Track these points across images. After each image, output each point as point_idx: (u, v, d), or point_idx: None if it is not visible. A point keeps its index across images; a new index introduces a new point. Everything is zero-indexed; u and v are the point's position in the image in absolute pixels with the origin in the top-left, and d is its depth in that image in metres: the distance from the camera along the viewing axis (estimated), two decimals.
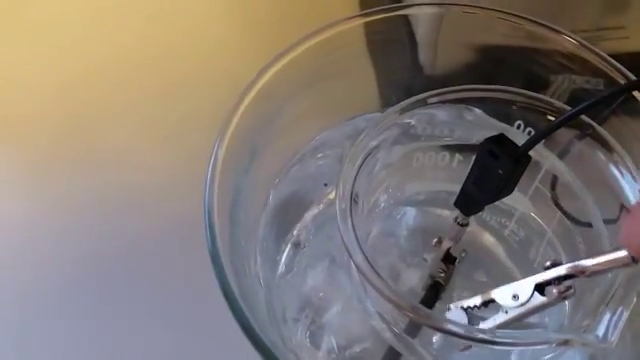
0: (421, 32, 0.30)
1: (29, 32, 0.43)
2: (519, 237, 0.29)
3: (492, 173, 0.23)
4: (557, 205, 0.28)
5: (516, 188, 0.24)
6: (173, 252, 0.34)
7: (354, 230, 0.22)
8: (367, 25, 0.28)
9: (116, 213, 0.35)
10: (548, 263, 0.22)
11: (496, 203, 0.25)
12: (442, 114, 0.26)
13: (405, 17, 0.29)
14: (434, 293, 0.28)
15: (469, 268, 0.29)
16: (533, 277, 0.22)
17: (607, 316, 0.21)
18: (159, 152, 0.37)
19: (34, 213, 0.36)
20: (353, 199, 0.23)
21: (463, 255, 0.27)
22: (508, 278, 0.29)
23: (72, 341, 0.32)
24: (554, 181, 0.27)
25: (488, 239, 0.30)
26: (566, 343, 0.20)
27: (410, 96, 0.28)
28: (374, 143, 0.24)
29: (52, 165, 0.38)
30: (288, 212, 0.27)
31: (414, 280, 0.29)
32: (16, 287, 0.34)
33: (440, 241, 0.27)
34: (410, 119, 0.26)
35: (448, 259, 0.27)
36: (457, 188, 0.28)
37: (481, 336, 0.22)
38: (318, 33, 0.27)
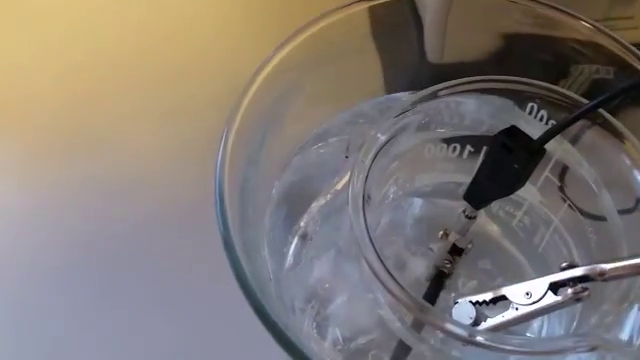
0: (429, 17, 0.29)
1: (27, 17, 0.42)
2: (524, 225, 0.29)
3: (506, 167, 0.23)
4: (565, 195, 0.27)
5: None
6: (174, 237, 0.34)
7: (367, 227, 0.22)
8: (372, 9, 0.27)
9: (116, 198, 0.35)
10: (564, 264, 0.22)
11: None
12: (454, 105, 0.26)
13: (412, 0, 0.28)
14: (439, 282, 0.27)
15: (474, 256, 0.28)
16: (548, 277, 0.22)
17: (631, 318, 0.20)
18: (158, 137, 0.37)
19: (33, 198, 0.35)
20: (366, 195, 0.22)
21: (470, 247, 0.27)
22: (514, 266, 0.29)
23: (72, 326, 0.32)
24: (563, 171, 0.27)
25: (494, 228, 0.30)
26: (593, 349, 0.20)
27: (416, 83, 0.27)
28: (386, 136, 0.24)
29: (51, 149, 0.37)
30: (294, 203, 0.27)
31: (420, 269, 0.28)
32: (14, 273, 0.33)
33: (446, 233, 0.27)
34: (422, 111, 0.25)
35: (455, 251, 0.27)
36: (465, 179, 0.28)
37: (486, 342, 0.21)
38: (321, 19, 0.26)
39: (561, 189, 0.27)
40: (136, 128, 0.37)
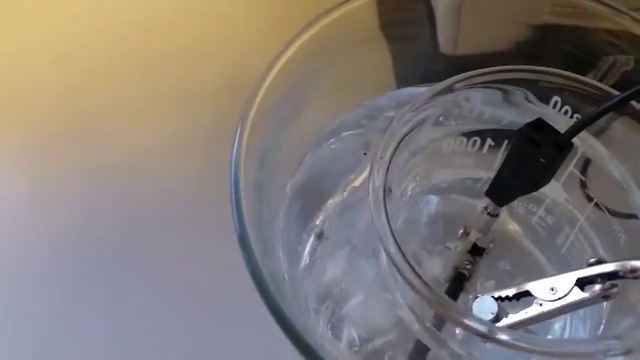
0: (442, 6, 0.28)
1: (24, 7, 0.41)
2: (547, 224, 0.28)
3: (532, 162, 0.22)
4: (589, 192, 0.26)
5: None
6: (174, 229, 0.33)
7: (388, 222, 0.21)
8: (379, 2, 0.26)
9: (115, 187, 0.34)
10: (592, 260, 0.21)
11: None
12: (473, 98, 0.25)
13: None
14: (458, 285, 0.26)
15: (493, 256, 0.27)
16: (575, 272, 0.21)
17: None
18: (158, 127, 0.36)
19: (31, 189, 0.35)
20: (387, 189, 0.21)
21: (491, 246, 0.26)
22: (534, 267, 0.28)
23: (70, 316, 0.32)
24: (585, 165, 0.26)
25: (513, 226, 0.29)
26: (628, 352, 0.19)
27: (429, 76, 0.26)
28: (405, 129, 0.23)
29: (49, 139, 0.36)
30: (308, 201, 0.26)
31: (436, 269, 0.27)
32: (12, 263, 0.33)
33: (467, 232, 0.26)
34: (440, 104, 0.24)
35: (475, 250, 0.26)
36: (484, 175, 0.27)
37: (508, 340, 0.20)
38: (328, 13, 0.25)
39: (584, 185, 0.26)
40: (135, 118, 0.36)
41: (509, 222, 0.29)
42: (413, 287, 0.21)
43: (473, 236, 0.26)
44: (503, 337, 0.20)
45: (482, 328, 0.21)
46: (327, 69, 0.26)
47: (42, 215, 0.34)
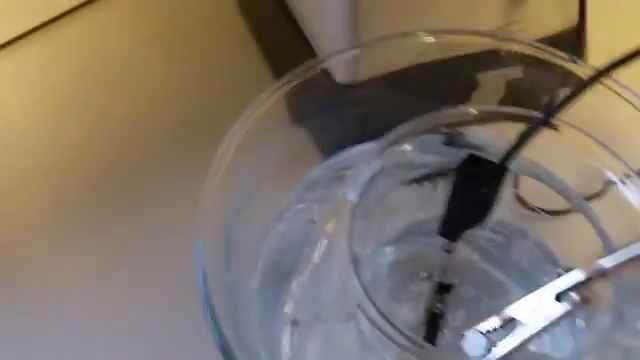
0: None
1: None
2: (497, 243, 0.29)
3: (475, 194, 0.23)
4: (525, 203, 0.28)
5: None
6: None
7: (365, 289, 0.21)
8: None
9: None
10: (561, 270, 0.22)
11: None
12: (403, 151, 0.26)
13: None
14: (434, 324, 0.27)
15: (455, 286, 0.28)
16: (550, 286, 0.22)
17: None
18: None
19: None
20: (355, 258, 0.22)
21: (456, 281, 0.27)
22: (497, 286, 0.29)
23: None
24: (516, 178, 0.27)
25: (467, 253, 0.29)
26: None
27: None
28: (355, 194, 0.24)
29: None
30: (274, 290, 0.26)
31: (409, 314, 0.28)
32: None
33: (429, 275, 0.27)
34: (377, 161, 0.25)
35: (442, 289, 0.27)
36: (429, 214, 0.27)
37: None
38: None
39: (519, 196, 0.27)
40: None
41: (463, 250, 0.29)
42: (404, 347, 0.22)
43: (436, 276, 0.26)
44: None
45: None
46: (260, 157, 0.26)
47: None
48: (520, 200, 0.28)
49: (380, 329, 0.21)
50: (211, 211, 0.22)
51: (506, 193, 0.27)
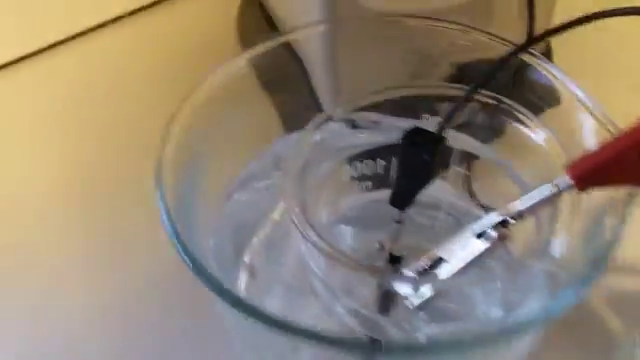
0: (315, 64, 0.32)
1: None
2: (449, 225, 0.31)
3: (418, 161, 0.26)
4: (468, 186, 0.30)
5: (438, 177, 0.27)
6: None
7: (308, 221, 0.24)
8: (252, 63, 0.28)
9: None
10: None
11: (422, 198, 0.27)
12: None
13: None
14: (388, 299, 0.29)
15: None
16: (472, 226, 0.24)
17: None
18: None
19: None
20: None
21: (405, 253, 0.29)
22: None
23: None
24: (469, 160, 0.30)
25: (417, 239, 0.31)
26: None
27: None
28: (300, 163, 0.26)
29: None
30: (234, 247, 0.28)
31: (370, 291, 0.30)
32: None
33: (382, 244, 0.29)
34: (324, 134, 0.27)
35: (394, 260, 0.29)
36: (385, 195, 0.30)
37: None
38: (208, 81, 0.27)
39: (469, 179, 0.30)
40: None
41: (414, 236, 0.31)
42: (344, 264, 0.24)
43: (387, 247, 0.28)
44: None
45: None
46: (221, 126, 0.28)
47: None
48: (469, 181, 0.30)
49: (318, 248, 0.24)
50: (171, 169, 0.24)
51: (456, 173, 0.30)
